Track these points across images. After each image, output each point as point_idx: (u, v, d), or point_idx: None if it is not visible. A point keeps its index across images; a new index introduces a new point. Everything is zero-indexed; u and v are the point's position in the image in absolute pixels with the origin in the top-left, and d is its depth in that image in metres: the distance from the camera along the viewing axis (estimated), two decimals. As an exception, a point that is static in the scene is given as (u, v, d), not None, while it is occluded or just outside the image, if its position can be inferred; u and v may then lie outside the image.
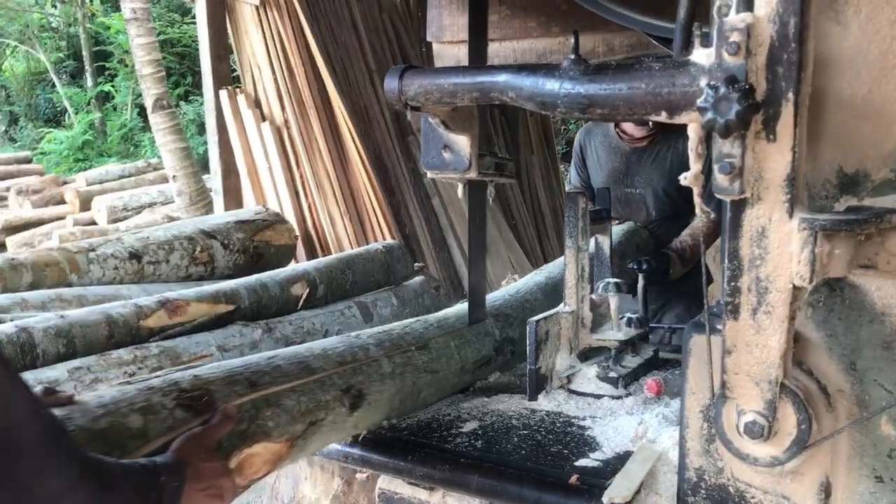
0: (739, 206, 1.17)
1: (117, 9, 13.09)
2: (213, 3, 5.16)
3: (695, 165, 1.21)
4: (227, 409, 1.30)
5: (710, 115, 1.10)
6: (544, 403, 1.88)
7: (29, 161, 12.43)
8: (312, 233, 5.22)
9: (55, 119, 16.49)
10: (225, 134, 5.29)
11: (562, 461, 1.57)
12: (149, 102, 7.35)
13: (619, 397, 1.87)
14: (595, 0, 1.88)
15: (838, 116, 1.24)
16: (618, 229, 2.75)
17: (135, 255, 3.36)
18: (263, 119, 5.27)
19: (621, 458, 1.56)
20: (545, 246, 6.27)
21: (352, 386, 1.59)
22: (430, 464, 1.61)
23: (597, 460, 1.57)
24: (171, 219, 7.99)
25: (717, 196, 1.17)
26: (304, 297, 3.13)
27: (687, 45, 1.39)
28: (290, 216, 5.03)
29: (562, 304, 1.98)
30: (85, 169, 12.64)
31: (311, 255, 5.13)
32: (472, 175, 1.77)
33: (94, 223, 9.17)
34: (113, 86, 15.63)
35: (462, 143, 1.74)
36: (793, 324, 1.19)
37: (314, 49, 5.07)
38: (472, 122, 1.75)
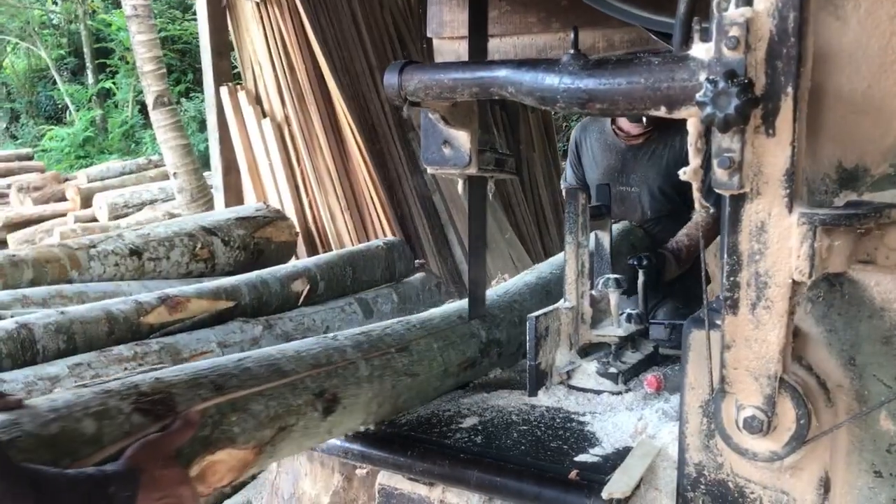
0: (739, 200, 1.16)
1: (118, 6, 13.09)
2: (214, -1, 5.17)
3: (694, 160, 1.21)
4: (189, 414, 1.25)
5: (709, 109, 1.10)
6: (544, 399, 1.88)
7: (30, 158, 12.44)
8: (313, 229, 5.22)
9: (56, 116, 16.49)
10: (226, 130, 5.29)
11: (561, 457, 1.57)
12: (150, 99, 7.35)
13: (618, 393, 1.87)
14: (595, -5, 1.88)
15: (838, 111, 1.24)
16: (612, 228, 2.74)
17: (135, 252, 3.36)
18: (264, 115, 5.27)
19: (621, 454, 1.56)
20: (546, 242, 6.28)
21: (326, 390, 1.52)
22: (429, 459, 1.62)
23: (596, 456, 1.57)
24: (172, 216, 7.99)
25: (717, 191, 1.17)
26: (304, 293, 3.14)
27: (687, 41, 1.39)
28: (290, 212, 5.03)
29: (562, 300, 1.98)
30: (86, 166, 12.65)
31: (312, 251, 5.13)
32: (472, 171, 1.77)
33: (95, 220, 9.17)
34: (114, 83, 15.64)
35: (462, 138, 1.74)
36: (792, 319, 1.19)
37: (315, 45, 5.06)
38: (472, 118, 1.75)
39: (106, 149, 14.74)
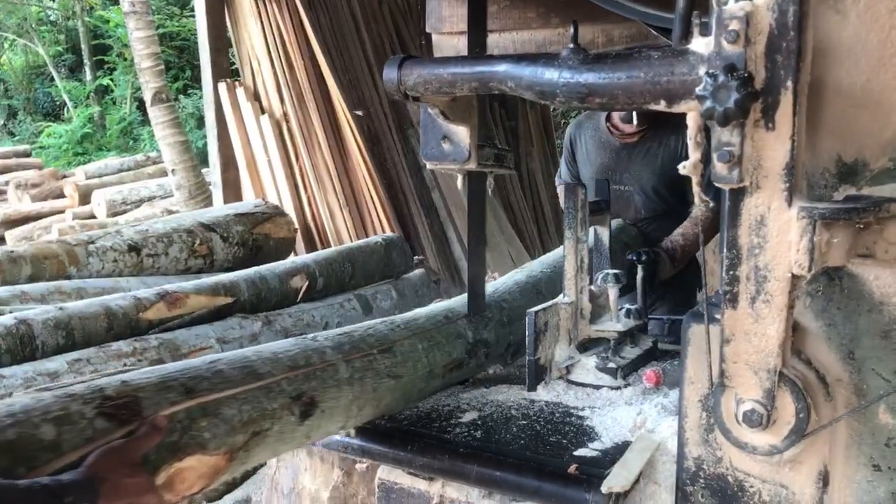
0: (738, 194, 1.17)
1: (116, 2, 13.07)
2: (213, -5, 5.16)
3: (694, 154, 1.21)
4: (156, 419, 1.19)
5: (708, 103, 1.10)
6: (543, 394, 1.89)
7: (28, 155, 12.43)
8: (312, 225, 5.22)
9: (54, 113, 16.47)
10: (224, 127, 5.28)
11: (561, 451, 1.58)
12: (148, 96, 7.34)
13: (617, 388, 1.87)
14: (595, -9, 1.88)
15: (837, 105, 1.24)
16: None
17: (134, 248, 3.36)
18: (262, 112, 5.26)
19: (620, 448, 1.57)
20: (545, 238, 6.28)
21: (303, 393, 1.47)
22: (429, 454, 1.62)
23: (596, 450, 1.58)
24: (171, 212, 7.98)
25: (716, 185, 1.17)
26: (303, 289, 3.14)
27: (686, 35, 1.39)
28: (289, 209, 5.03)
29: (561, 295, 1.98)
30: (84, 163, 12.64)
31: (311, 247, 5.13)
32: (472, 166, 1.76)
33: (93, 217, 9.17)
34: (112, 79, 15.62)
35: (461, 133, 1.74)
36: (791, 313, 1.19)
37: (313, 41, 5.06)
38: (472, 113, 1.74)
39: (104, 145, 14.72)
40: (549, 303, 1.93)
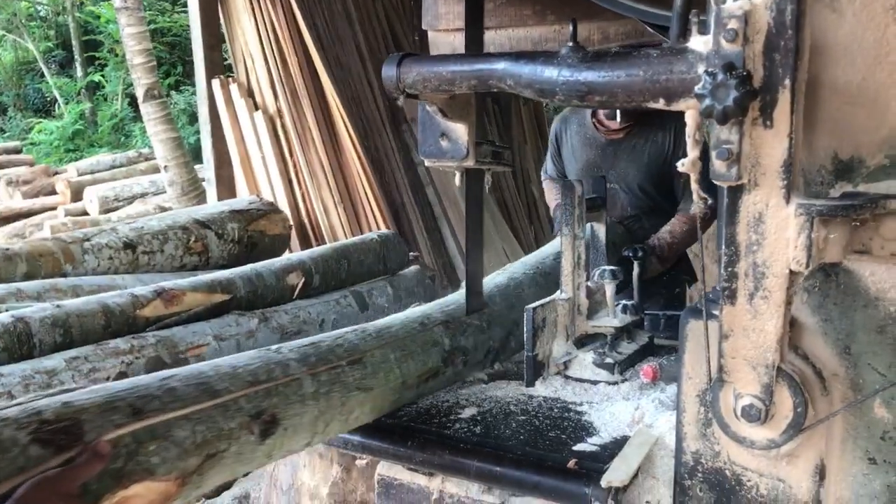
0: (737, 191, 1.18)
1: (106, -3, 13.01)
2: (206, -9, 5.15)
3: (692, 152, 1.22)
4: (98, 444, 1.11)
5: (708, 101, 1.11)
6: (541, 389, 1.90)
7: (19, 151, 12.36)
8: (306, 222, 5.22)
9: (45, 109, 16.38)
10: (217, 123, 5.27)
11: (560, 446, 1.59)
12: (140, 92, 7.31)
13: (615, 383, 1.89)
14: (592, -12, 1.89)
15: (833, 103, 1.26)
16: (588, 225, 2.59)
17: (129, 245, 3.36)
18: (256, 108, 5.25)
19: (618, 443, 1.58)
20: (538, 234, 6.29)
21: (263, 410, 1.39)
22: (429, 449, 1.63)
23: (594, 445, 1.59)
24: (163, 209, 7.97)
25: (715, 182, 1.18)
26: (299, 286, 3.14)
27: (684, 33, 1.40)
28: (283, 205, 5.03)
29: (558, 292, 1.99)
30: (76, 159, 12.59)
31: (305, 244, 5.13)
32: (470, 163, 1.77)
33: (85, 213, 9.14)
34: (103, 75, 15.54)
35: (459, 131, 1.74)
36: (789, 308, 1.20)
37: (307, 38, 5.05)
38: (470, 111, 1.75)
39: (95, 142, 14.66)
40: (547, 299, 1.94)
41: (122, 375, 2.34)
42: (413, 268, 3.79)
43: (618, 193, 2.96)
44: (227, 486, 2.54)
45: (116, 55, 14.70)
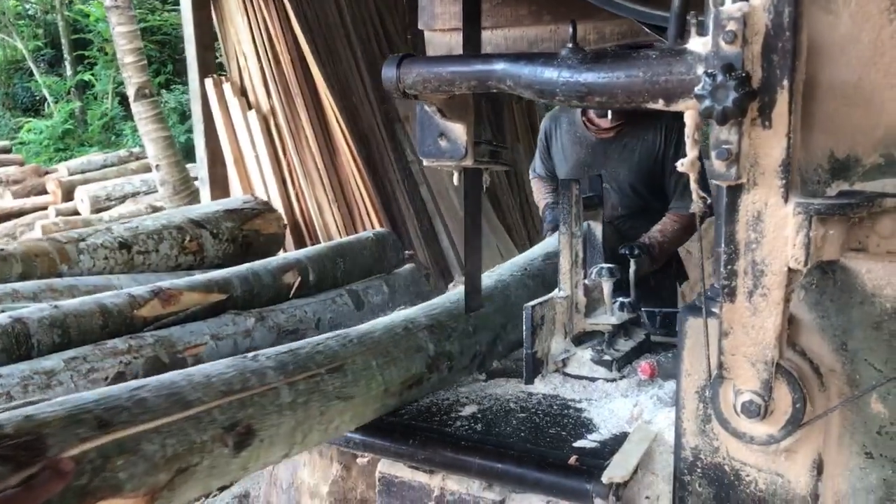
0: (736, 191, 1.20)
1: (96, -4, 12.95)
2: (199, -10, 5.14)
3: (691, 152, 1.24)
4: (61, 461, 1.05)
5: (707, 102, 1.13)
6: (541, 387, 1.92)
7: (8, 151, 12.28)
8: (300, 221, 5.22)
9: (34, 108, 16.28)
10: (211, 123, 5.26)
11: (560, 443, 1.61)
12: (131, 91, 7.29)
13: (613, 380, 1.91)
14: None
15: (829, 103, 1.28)
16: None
17: (124, 245, 3.35)
18: (250, 107, 5.25)
19: (618, 440, 1.60)
20: (531, 232, 6.31)
21: (238, 422, 1.34)
22: (431, 447, 1.64)
23: (594, 441, 1.61)
24: (155, 208, 7.95)
25: (714, 181, 1.20)
26: (295, 285, 3.14)
27: (681, 34, 1.42)
28: (277, 204, 5.03)
29: (556, 290, 2.01)
30: (66, 158, 12.52)
31: (300, 243, 5.14)
32: (468, 163, 1.78)
33: (76, 213, 9.10)
34: (93, 74, 15.46)
35: (458, 130, 1.75)
36: (788, 306, 1.22)
37: (300, 36, 5.05)
38: (468, 110, 1.76)
39: (86, 141, 14.59)
40: (546, 297, 1.96)
41: (120, 375, 2.34)
42: (408, 266, 3.79)
43: (608, 193, 2.94)
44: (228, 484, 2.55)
45: (106, 54, 14.63)
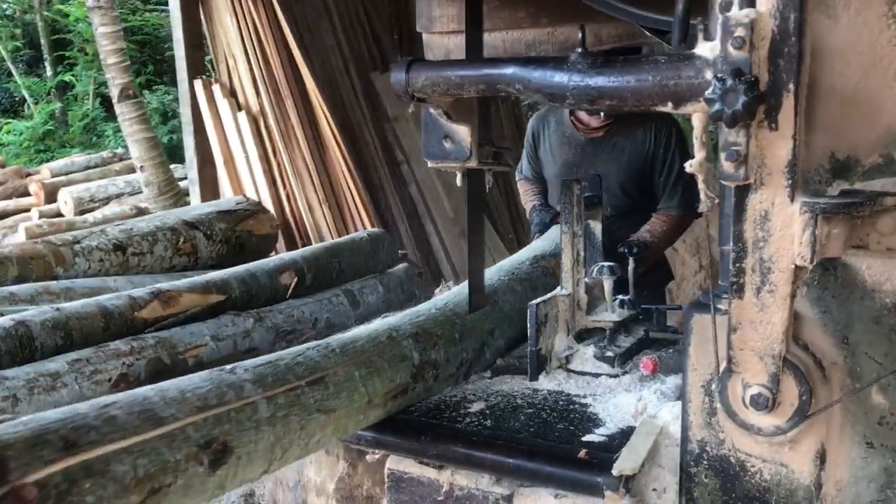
0: (744, 191, 1.24)
1: (75, -5, 12.84)
2: (187, -9, 5.13)
3: (699, 153, 1.28)
4: (23, 488, 0.99)
5: (718, 105, 1.17)
6: (545, 383, 1.95)
7: (-12, 152, 12.17)
8: (291, 221, 5.23)
9: (13, 109, 16.10)
10: (200, 124, 5.26)
11: (569, 437, 1.64)
12: (114, 92, 7.23)
13: (616, 375, 1.94)
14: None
15: (830, 105, 1.32)
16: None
17: (119, 247, 3.35)
18: (239, 109, 5.25)
19: (625, 433, 1.64)
20: (520, 232, 6.35)
21: (214, 439, 1.28)
22: (443, 443, 1.67)
23: (602, 435, 1.65)
24: (139, 209, 7.90)
25: (723, 182, 1.24)
26: (292, 285, 3.16)
27: (685, 38, 1.46)
28: (267, 205, 5.03)
29: (559, 288, 2.05)
30: (47, 160, 12.40)
31: (290, 243, 5.15)
32: (473, 164, 1.82)
33: (60, 215, 9.02)
34: (73, 75, 15.32)
35: (463, 133, 1.79)
36: (793, 301, 1.27)
37: (289, 37, 5.06)
38: (473, 113, 1.80)
39: (67, 142, 14.45)
40: (549, 295, 1.99)
41: (123, 377, 2.36)
42: (402, 265, 3.81)
43: None
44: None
45: (86, 54, 14.50)
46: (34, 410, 2.10)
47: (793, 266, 1.22)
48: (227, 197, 5.13)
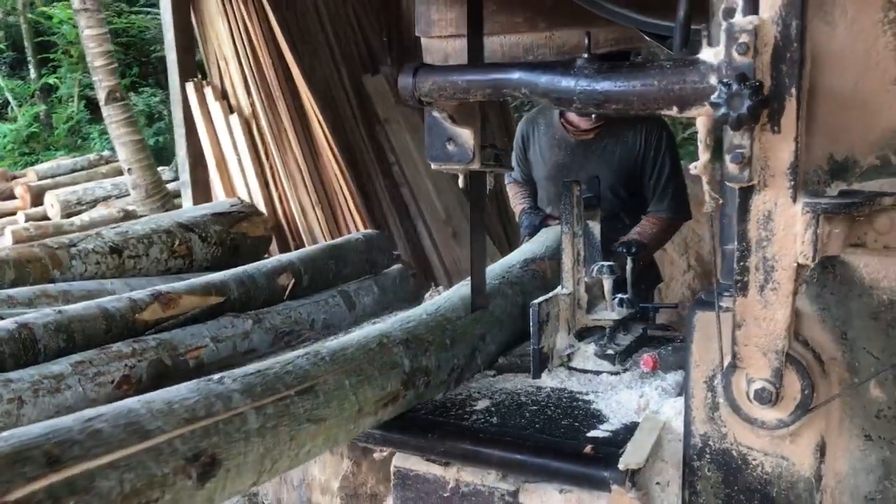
0: (747, 192, 1.28)
1: (59, -2, 12.76)
2: (179, -6, 5.13)
3: (703, 156, 1.32)
4: None
5: (723, 109, 1.21)
6: (548, 381, 1.99)
7: (-28, 156, 12.07)
8: (283, 223, 5.24)
9: (-4, 112, 15.99)
10: (192, 127, 5.25)
11: (574, 433, 1.68)
12: (101, 95, 7.21)
13: (616, 373, 1.98)
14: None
15: (828, 108, 1.37)
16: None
17: (115, 250, 3.36)
18: (231, 111, 5.25)
19: (629, 429, 1.67)
20: (509, 233, 6.38)
21: (202, 452, 1.25)
22: (450, 440, 1.70)
23: (607, 431, 1.68)
24: (127, 212, 7.87)
25: (728, 184, 1.28)
26: (290, 287, 3.18)
27: (686, 43, 1.50)
28: (260, 207, 5.03)
29: (559, 287, 2.08)
30: (32, 163, 12.30)
31: (283, 245, 5.15)
32: (475, 166, 1.85)
33: (46, 218, 8.97)
34: (58, 77, 15.22)
35: (466, 135, 1.82)
36: (796, 298, 1.31)
37: (280, 39, 5.07)
38: (476, 116, 1.83)
39: (52, 145, 14.35)
40: (550, 294, 2.03)
41: (125, 378, 2.37)
42: (396, 266, 3.84)
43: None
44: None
45: (71, 56, 14.41)
46: (39, 412, 2.13)
47: (795, 264, 1.27)
48: (220, 199, 5.14)
